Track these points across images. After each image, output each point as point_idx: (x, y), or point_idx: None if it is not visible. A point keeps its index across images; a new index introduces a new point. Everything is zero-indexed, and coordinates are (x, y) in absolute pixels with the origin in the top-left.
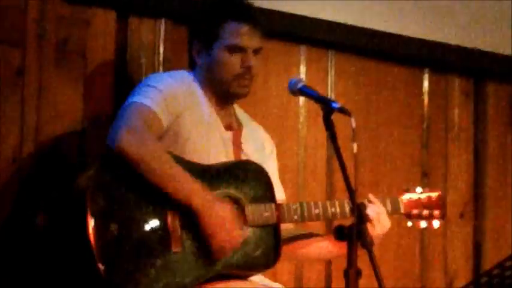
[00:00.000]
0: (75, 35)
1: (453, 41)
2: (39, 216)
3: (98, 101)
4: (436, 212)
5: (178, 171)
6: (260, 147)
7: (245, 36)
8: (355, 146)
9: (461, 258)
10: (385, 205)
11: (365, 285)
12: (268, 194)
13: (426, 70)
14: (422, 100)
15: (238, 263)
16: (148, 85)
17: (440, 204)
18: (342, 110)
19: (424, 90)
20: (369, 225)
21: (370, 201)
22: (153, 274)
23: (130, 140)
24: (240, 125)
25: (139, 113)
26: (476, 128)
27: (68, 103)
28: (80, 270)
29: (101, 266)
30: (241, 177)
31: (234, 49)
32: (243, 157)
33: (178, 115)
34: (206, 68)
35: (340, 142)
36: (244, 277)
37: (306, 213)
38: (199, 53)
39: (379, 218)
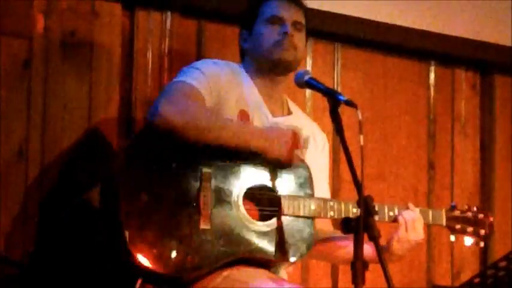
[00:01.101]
0: (81, 27)
1: (460, 33)
2: (93, 193)
3: (104, 93)
4: (482, 231)
5: (225, 122)
6: (310, 140)
7: (283, 8)
8: (361, 138)
9: (468, 251)
10: (427, 215)
11: (372, 278)
12: (306, 187)
13: (432, 62)
14: (429, 92)
15: (263, 248)
16: (193, 67)
17: (487, 224)
18: (348, 103)
19: (430, 82)
20: (401, 228)
21: (408, 208)
22: (176, 247)
23: (171, 109)
24: (290, 113)
25: (182, 90)
26: (483, 121)
27: (75, 95)
28: (112, 238)
29: (126, 233)
30: (283, 169)
31: (273, 20)
32: None
33: (221, 99)
34: (251, 48)
35: (346, 134)
36: (266, 265)
37: (343, 211)
38: (244, 39)
39: (414, 224)
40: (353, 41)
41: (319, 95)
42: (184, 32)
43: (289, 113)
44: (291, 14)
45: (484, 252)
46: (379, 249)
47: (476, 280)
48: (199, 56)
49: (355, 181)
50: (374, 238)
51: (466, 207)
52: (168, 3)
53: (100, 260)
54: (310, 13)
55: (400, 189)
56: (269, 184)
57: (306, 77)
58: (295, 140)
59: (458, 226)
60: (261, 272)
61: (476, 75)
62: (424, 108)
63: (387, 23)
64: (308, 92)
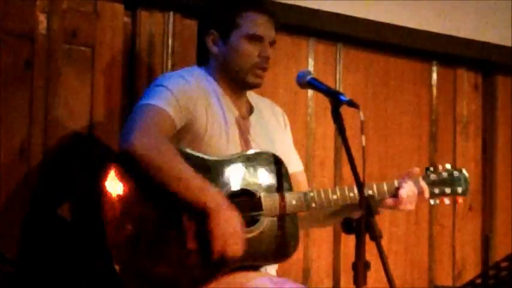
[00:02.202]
0: (83, 28)
1: (462, 33)
2: (63, 208)
3: (106, 93)
4: (459, 189)
5: (191, 173)
6: (274, 123)
7: (264, 26)
8: (363, 138)
9: (470, 251)
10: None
11: (373, 278)
12: (285, 184)
13: (435, 63)
14: (431, 93)
15: (252, 255)
16: (160, 85)
17: (463, 179)
18: (350, 103)
19: (432, 82)
20: (400, 203)
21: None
22: (166, 272)
23: (142, 143)
24: (252, 108)
25: (152, 115)
26: (485, 121)
27: (77, 95)
28: (99, 268)
29: (116, 266)
30: (257, 168)
31: (254, 38)
32: (261, 141)
33: (192, 114)
34: (222, 57)
35: (348, 135)
36: (258, 267)
37: (324, 200)
38: (215, 42)
39: (411, 199)
40: (355, 41)
41: (321, 95)
42: (186, 33)
43: (252, 108)
44: (269, 32)
45: (486, 253)
46: (381, 250)
47: (478, 280)
48: None
49: (357, 181)
50: (375, 238)
51: (441, 167)
52: (170, 4)
53: (94, 261)
54: (311, 14)
55: None
56: (247, 187)
57: (308, 77)
58: (234, 250)
59: (436, 190)
60: (254, 274)
61: (478, 76)
62: (426, 109)
63: (389, 23)
64: (310, 92)
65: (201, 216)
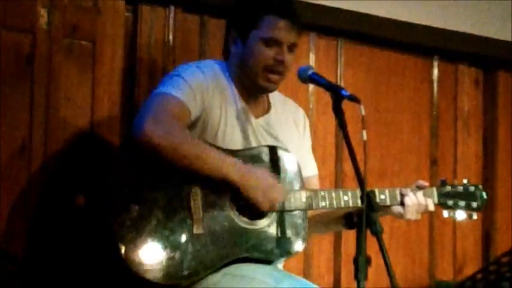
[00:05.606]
0: (84, 22)
1: (463, 29)
2: (79, 199)
3: (107, 88)
4: (474, 204)
5: (208, 150)
6: (292, 126)
7: (283, 30)
8: (364, 133)
9: (471, 247)
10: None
11: (374, 273)
12: (295, 180)
13: (436, 58)
14: (432, 88)
15: (258, 246)
16: (177, 75)
17: (479, 195)
18: (351, 98)
19: (433, 78)
20: (404, 211)
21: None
22: (171, 255)
23: (156, 130)
24: (269, 108)
25: (166, 103)
26: (486, 117)
27: (78, 90)
28: (105, 250)
29: (121, 247)
30: (269, 163)
31: (270, 42)
32: (273, 142)
33: (207, 106)
34: (239, 57)
35: (349, 130)
36: (266, 262)
37: (334, 200)
38: (234, 41)
39: (415, 208)
40: (356, 36)
41: (322, 90)
42: (187, 27)
43: (269, 107)
44: (288, 36)
45: (487, 248)
46: (382, 245)
47: (479, 276)
48: (202, 51)
49: (358, 176)
50: (377, 233)
51: (456, 181)
52: None
53: (98, 258)
54: (313, 8)
55: (402, 185)
56: None
57: (309, 72)
58: (279, 195)
59: (450, 202)
60: (259, 267)
61: (479, 71)
62: (427, 104)
63: (390, 19)
64: (311, 87)
65: (210, 201)
